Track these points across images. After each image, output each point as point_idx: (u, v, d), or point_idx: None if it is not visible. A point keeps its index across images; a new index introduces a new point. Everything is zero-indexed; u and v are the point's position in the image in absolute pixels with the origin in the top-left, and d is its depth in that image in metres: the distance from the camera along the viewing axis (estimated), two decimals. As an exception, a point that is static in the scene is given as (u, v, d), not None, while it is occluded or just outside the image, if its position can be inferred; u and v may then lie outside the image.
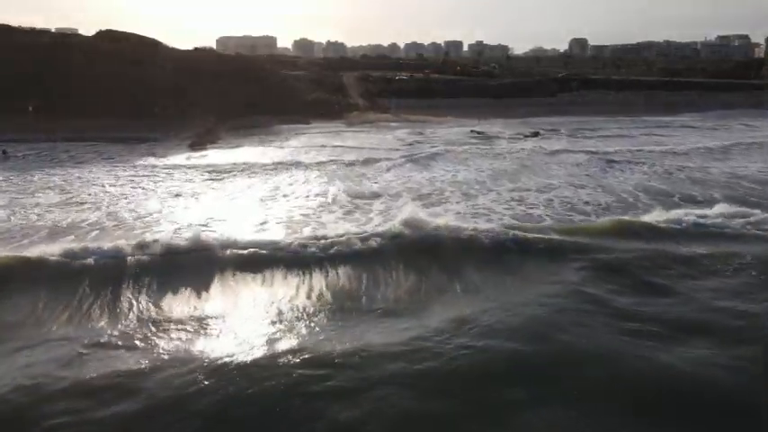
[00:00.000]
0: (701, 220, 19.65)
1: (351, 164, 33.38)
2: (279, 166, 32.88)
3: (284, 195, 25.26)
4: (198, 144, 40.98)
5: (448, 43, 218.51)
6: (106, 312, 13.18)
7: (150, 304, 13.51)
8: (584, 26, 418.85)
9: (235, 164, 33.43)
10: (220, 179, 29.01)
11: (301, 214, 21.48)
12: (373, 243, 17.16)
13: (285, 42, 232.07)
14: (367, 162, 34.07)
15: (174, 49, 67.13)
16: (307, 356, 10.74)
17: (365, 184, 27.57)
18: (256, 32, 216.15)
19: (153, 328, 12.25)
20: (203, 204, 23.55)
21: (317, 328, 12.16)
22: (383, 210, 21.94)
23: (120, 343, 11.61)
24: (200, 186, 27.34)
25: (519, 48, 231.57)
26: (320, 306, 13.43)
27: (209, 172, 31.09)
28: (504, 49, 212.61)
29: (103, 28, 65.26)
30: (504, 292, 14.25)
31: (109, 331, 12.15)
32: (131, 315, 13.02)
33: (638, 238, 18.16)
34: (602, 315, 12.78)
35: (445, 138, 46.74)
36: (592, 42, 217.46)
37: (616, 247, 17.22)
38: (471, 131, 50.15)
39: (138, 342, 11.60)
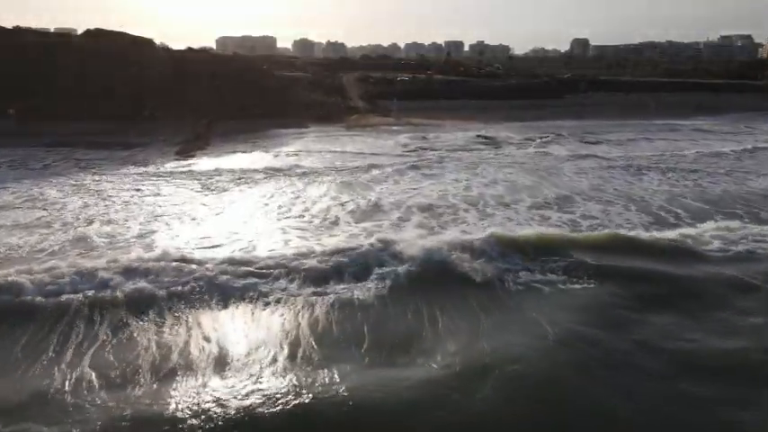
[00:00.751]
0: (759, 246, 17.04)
1: (351, 172, 30.70)
2: (271, 176, 30.20)
3: (275, 211, 22.65)
4: (186, 150, 38.23)
5: (448, 43, 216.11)
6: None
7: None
8: (586, 26, 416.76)
9: (223, 173, 30.76)
10: (203, 192, 26.24)
11: (292, 244, 18.40)
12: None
13: (285, 43, 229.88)
14: (368, 170, 31.37)
15: (166, 49, 64.60)
16: None
17: (368, 197, 24.87)
18: (256, 33, 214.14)
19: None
20: (177, 226, 20.78)
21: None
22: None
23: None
24: (180, 200, 24.66)
25: (519, 48, 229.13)
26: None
27: (192, 181, 28.40)
28: (505, 49, 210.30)
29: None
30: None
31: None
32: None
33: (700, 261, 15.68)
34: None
35: (451, 143, 44.04)
36: (593, 42, 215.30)
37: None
38: (478, 136, 47.48)
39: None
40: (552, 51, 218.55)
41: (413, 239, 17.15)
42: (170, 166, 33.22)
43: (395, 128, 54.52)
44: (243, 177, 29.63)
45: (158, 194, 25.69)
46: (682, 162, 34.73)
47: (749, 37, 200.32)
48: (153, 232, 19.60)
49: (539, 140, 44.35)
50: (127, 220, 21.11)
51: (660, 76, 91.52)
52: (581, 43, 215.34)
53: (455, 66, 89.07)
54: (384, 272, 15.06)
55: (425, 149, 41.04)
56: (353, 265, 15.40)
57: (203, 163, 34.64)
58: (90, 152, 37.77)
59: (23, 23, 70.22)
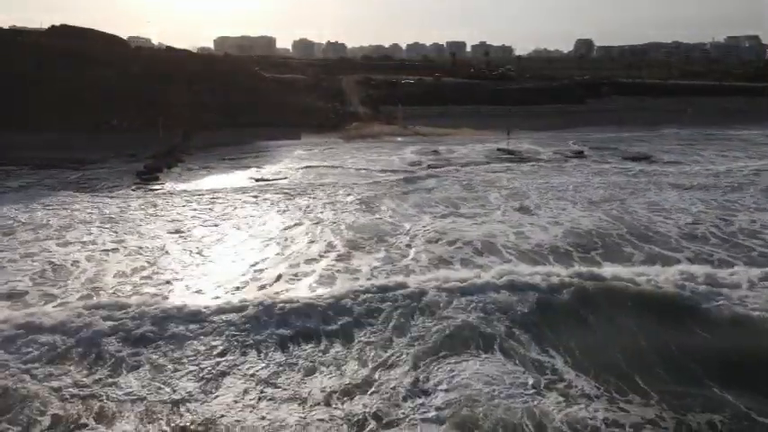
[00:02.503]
0: None
1: (346, 207, 23.82)
2: (245, 205, 23.48)
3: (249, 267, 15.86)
4: (152, 169, 31.35)
5: (450, 44, 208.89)
6: None
7: None
8: (589, 27, 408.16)
9: (187, 203, 24.04)
10: (157, 234, 19.51)
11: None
12: None
13: (285, 43, 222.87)
14: (369, 203, 24.59)
15: (142, 48, 57.86)
16: None
17: (372, 256, 18.03)
18: (256, 33, 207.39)
19: None
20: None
21: None
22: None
23: None
24: (123, 244, 17.90)
25: (521, 48, 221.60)
26: None
27: (145, 218, 21.62)
28: (508, 49, 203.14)
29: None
30: None
31: None
32: None
33: None
34: None
35: (468, 158, 37.19)
36: (598, 43, 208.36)
37: None
38: (499, 150, 40.62)
39: None
40: (555, 52, 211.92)
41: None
42: (126, 193, 26.35)
43: (400, 138, 47.65)
44: (212, 207, 22.86)
45: (83, 244, 18.83)
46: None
47: (756, 38, 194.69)
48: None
49: (573, 158, 37.35)
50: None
51: (676, 78, 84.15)
52: (585, 44, 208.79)
53: (464, 67, 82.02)
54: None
55: (438, 166, 34.24)
56: None
57: (167, 188, 27.85)
58: (32, 174, 30.95)
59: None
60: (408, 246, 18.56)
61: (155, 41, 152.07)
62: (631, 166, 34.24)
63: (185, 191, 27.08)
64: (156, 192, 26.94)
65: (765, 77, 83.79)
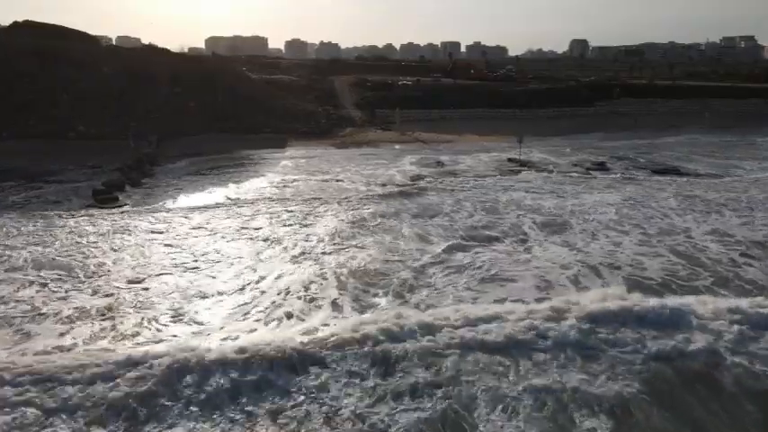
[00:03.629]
0: None
1: (340, 242, 19.51)
2: (214, 239, 19.15)
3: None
4: (111, 187, 26.94)
5: (445, 44, 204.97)
6: None
7: None
8: (581, 26, 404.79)
9: (147, 233, 19.67)
10: (95, 287, 15.10)
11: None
12: None
13: (277, 43, 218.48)
14: (369, 233, 20.33)
15: (118, 48, 53.30)
16: None
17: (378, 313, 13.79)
18: (249, 33, 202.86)
19: None
20: None
21: None
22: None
23: None
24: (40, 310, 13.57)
25: (515, 49, 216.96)
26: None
27: (84, 259, 17.20)
28: (503, 50, 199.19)
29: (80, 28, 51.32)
30: None
31: None
32: None
33: None
34: None
35: (477, 170, 33.03)
36: (593, 43, 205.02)
37: None
38: (510, 160, 36.45)
39: None
40: (549, 53, 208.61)
41: None
42: (62, 223, 21.82)
43: (398, 146, 43.38)
44: (168, 241, 18.52)
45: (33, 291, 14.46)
46: None
47: (752, 38, 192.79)
48: None
49: (596, 170, 33.14)
50: None
51: (680, 79, 79.77)
52: (580, 44, 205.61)
53: (464, 68, 77.73)
54: None
55: (443, 178, 30.11)
56: None
57: (126, 212, 23.42)
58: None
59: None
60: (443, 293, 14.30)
61: (145, 42, 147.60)
62: (664, 180, 30.03)
63: (147, 214, 22.70)
64: (111, 216, 22.53)
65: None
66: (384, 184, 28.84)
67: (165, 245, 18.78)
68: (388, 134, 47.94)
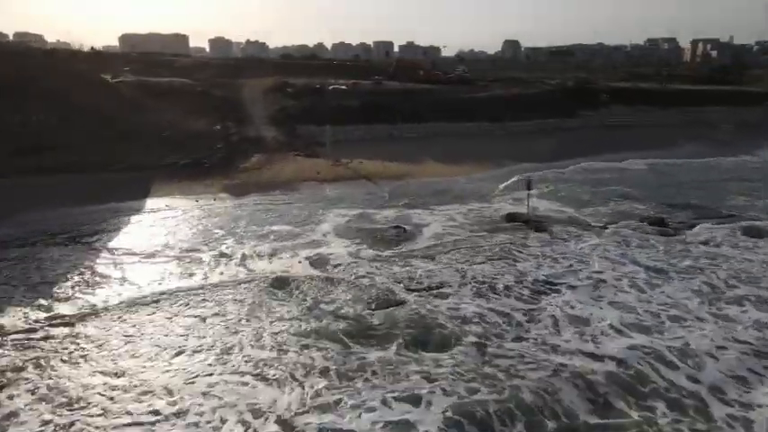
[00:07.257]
0: None
1: None
2: None
3: None
4: None
5: (378, 43, 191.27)
6: None
7: None
8: (512, 28, 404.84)
9: None
10: None
11: None
12: None
13: (200, 41, 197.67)
14: None
15: None
16: None
17: None
18: (169, 30, 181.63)
19: None
20: None
21: None
22: None
23: None
24: None
25: (446, 49, 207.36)
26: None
27: None
28: (437, 50, 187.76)
29: None
30: None
31: None
32: None
33: None
34: None
35: (465, 245, 18.85)
36: (524, 44, 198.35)
37: None
38: (510, 218, 22.30)
39: None
40: (481, 53, 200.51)
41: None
42: None
43: (328, 189, 28.31)
44: None
45: None
46: None
47: (674, 40, 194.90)
48: None
49: (657, 235, 19.54)
50: None
51: (622, 81, 68.97)
52: (512, 44, 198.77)
53: (410, 68, 63.27)
54: None
55: (418, 288, 15.56)
56: None
57: None
58: None
59: None
60: None
61: (50, 39, 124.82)
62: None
63: None
64: None
65: (724, 81, 70.59)
66: (258, 342, 13.95)
67: None
68: (314, 164, 32.71)
